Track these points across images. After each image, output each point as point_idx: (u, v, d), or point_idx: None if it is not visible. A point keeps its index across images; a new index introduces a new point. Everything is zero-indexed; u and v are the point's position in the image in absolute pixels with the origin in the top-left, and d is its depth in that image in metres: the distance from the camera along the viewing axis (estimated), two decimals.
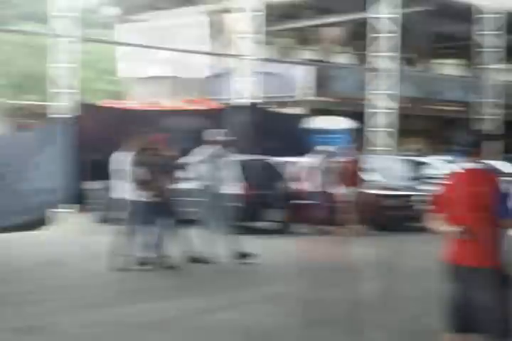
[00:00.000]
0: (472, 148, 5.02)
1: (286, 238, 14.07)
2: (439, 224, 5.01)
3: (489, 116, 28.97)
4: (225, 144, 10.97)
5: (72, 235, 13.32)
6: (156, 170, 10.29)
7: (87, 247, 11.84)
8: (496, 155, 24.19)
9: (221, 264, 10.56)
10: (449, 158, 16.16)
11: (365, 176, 15.20)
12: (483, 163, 5.07)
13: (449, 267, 4.98)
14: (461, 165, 5.11)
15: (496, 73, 29.48)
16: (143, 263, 10.31)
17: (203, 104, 22.32)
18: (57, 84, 17.22)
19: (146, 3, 29.87)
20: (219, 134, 11.04)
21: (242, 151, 12.66)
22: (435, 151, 24.74)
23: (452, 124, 25.98)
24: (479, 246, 4.83)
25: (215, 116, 16.83)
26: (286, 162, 15.86)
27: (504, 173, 16.95)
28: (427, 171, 17.98)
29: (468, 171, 5.02)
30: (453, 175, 5.18)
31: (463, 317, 4.90)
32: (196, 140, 11.58)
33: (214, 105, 22.31)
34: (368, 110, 26.36)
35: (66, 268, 10.48)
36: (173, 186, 10.69)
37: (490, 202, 4.83)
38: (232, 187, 10.94)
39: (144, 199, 10.27)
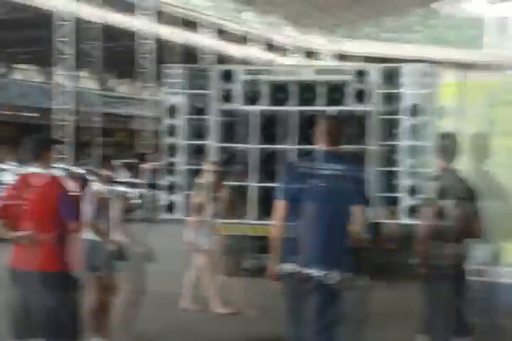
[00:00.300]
0: (36, 153, 5.02)
1: None
2: (2, 229, 4.94)
3: (64, 122, 29.36)
4: None
5: None
6: None
7: None
8: (60, 159, 24.64)
9: None
10: (21, 163, 15.97)
11: None
12: (49, 167, 5.09)
13: (11, 272, 4.92)
14: (26, 170, 5.10)
15: (70, 79, 29.99)
16: None
17: None
18: None
19: None
20: None
21: None
22: (11, 157, 24.31)
23: (29, 130, 25.94)
24: (42, 250, 4.82)
25: None
26: None
27: (82, 178, 17.20)
28: (4, 177, 17.56)
29: (31, 176, 5.02)
30: (17, 180, 5.15)
31: (24, 323, 4.86)
32: None
33: None
34: None
35: None
36: None
37: (53, 205, 4.85)
38: None
39: None
